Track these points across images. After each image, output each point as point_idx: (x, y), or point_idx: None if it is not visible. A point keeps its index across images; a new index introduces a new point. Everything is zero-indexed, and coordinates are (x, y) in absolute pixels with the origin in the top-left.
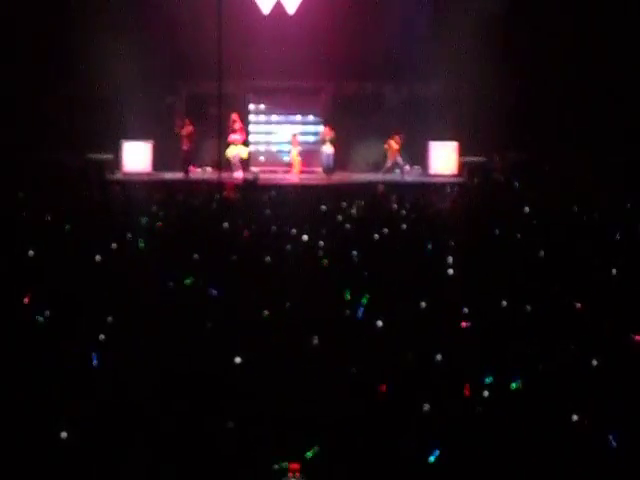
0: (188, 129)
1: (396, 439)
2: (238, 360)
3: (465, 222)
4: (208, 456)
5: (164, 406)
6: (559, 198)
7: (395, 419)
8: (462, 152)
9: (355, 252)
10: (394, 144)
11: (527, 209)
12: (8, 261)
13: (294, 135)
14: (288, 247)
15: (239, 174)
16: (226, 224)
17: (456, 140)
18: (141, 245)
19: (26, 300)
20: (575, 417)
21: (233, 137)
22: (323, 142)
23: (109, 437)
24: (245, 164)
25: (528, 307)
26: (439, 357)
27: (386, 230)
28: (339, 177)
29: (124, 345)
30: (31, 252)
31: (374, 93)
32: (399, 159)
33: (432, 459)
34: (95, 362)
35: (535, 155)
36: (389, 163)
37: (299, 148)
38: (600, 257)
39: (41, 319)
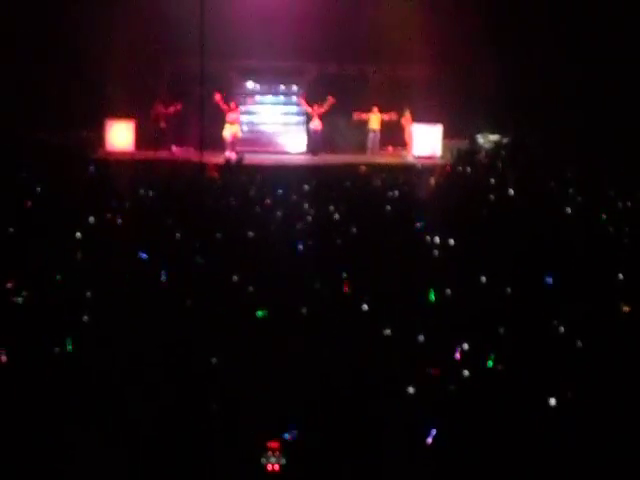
0: (158, 109)
1: (379, 419)
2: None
3: (449, 204)
4: (189, 437)
5: (145, 389)
6: (542, 180)
7: (378, 400)
8: (445, 135)
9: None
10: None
11: (511, 191)
12: None
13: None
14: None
15: (232, 154)
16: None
17: (438, 122)
18: (119, 222)
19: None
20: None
21: (231, 116)
22: (309, 121)
23: (86, 422)
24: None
25: (508, 289)
26: (421, 338)
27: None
28: (324, 158)
29: (104, 324)
30: (11, 229)
31: (357, 75)
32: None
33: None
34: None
35: (518, 138)
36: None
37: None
38: (581, 239)
39: (20, 300)
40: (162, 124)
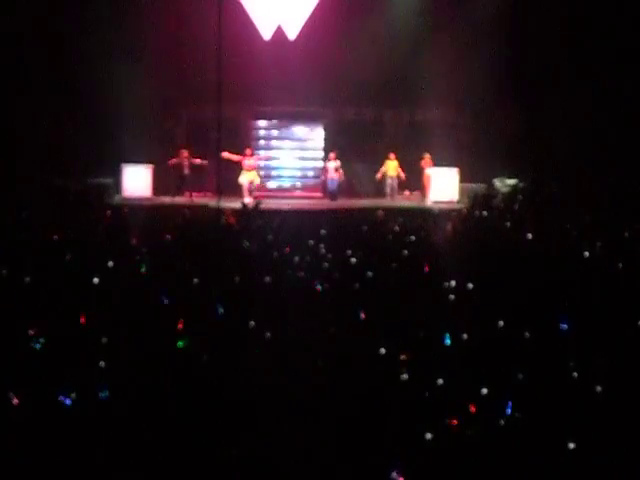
0: (182, 155)
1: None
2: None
3: (467, 248)
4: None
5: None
6: (560, 225)
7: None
8: (462, 179)
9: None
10: (427, 162)
11: (529, 235)
12: (8, 285)
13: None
14: (288, 271)
15: (248, 200)
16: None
17: (455, 166)
18: (142, 269)
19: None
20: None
21: (248, 163)
22: (326, 169)
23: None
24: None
25: (527, 333)
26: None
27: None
28: (342, 203)
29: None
30: (27, 279)
31: (374, 119)
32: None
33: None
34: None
35: (535, 182)
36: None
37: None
38: (599, 285)
39: (38, 346)
40: (186, 171)
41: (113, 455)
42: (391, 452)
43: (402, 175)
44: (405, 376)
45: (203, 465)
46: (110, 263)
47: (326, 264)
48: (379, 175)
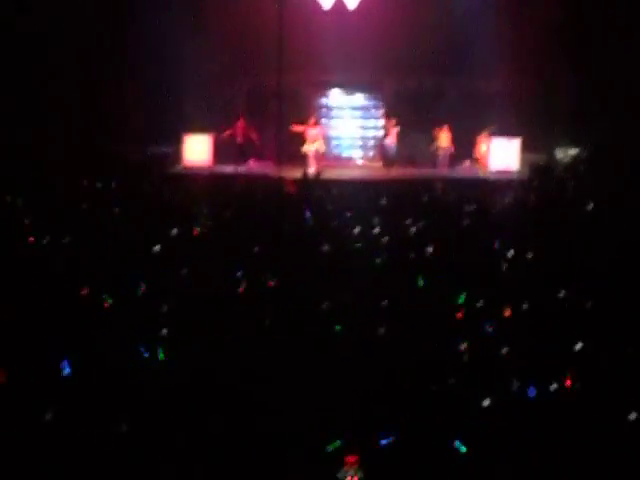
0: (238, 126)
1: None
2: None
3: (527, 219)
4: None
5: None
6: (622, 195)
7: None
8: (523, 149)
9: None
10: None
11: (591, 206)
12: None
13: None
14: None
15: (314, 169)
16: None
17: (516, 136)
18: (200, 230)
19: (84, 292)
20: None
21: (312, 132)
22: (386, 135)
23: None
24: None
25: (589, 304)
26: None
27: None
28: (401, 172)
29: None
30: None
31: (434, 88)
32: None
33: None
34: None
35: (597, 151)
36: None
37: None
38: None
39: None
40: (239, 139)
41: None
42: (450, 418)
43: (452, 148)
44: (464, 345)
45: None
46: (174, 231)
47: (385, 235)
48: (434, 147)
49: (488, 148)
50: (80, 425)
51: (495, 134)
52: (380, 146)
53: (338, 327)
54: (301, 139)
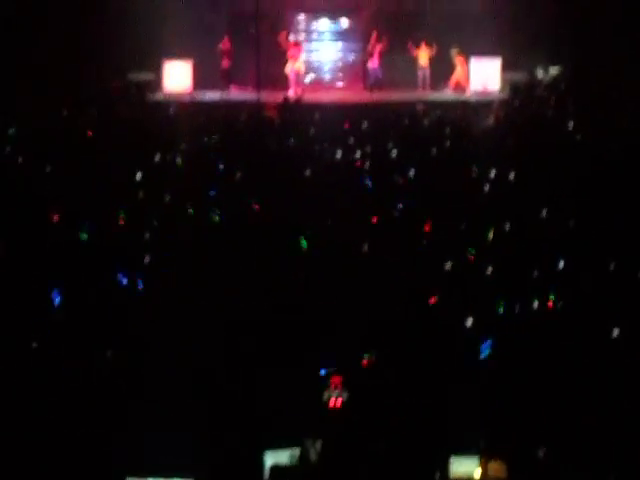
0: (226, 45)
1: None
2: None
3: (509, 139)
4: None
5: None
6: (603, 113)
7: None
8: (503, 68)
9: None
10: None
11: (571, 124)
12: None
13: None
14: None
15: (296, 90)
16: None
17: (496, 55)
18: (179, 163)
19: (56, 218)
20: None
21: (293, 52)
22: (369, 57)
23: None
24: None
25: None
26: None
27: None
28: (382, 95)
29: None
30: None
31: (414, 9)
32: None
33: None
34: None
35: (578, 70)
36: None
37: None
38: None
39: (85, 236)
40: (225, 62)
41: None
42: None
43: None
44: (449, 265)
45: None
46: (156, 157)
47: (367, 159)
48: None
49: (463, 69)
50: (68, 352)
51: (463, 54)
52: (363, 69)
53: (304, 242)
54: (282, 62)
